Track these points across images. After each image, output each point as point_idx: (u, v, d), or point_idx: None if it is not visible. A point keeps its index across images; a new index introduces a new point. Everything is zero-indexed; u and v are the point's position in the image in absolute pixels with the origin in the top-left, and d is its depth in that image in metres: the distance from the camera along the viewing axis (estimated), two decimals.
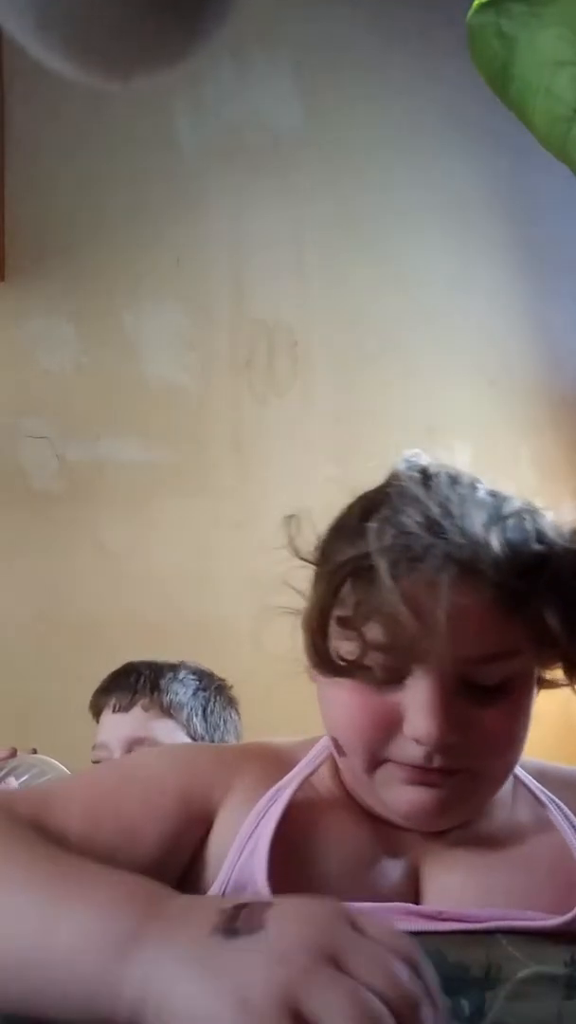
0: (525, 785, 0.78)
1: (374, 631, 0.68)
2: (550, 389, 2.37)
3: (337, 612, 0.69)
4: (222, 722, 1.44)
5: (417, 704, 0.68)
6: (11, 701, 1.92)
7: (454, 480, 0.73)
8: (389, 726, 0.69)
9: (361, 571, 0.68)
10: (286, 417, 2.21)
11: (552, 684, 0.74)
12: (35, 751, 1.43)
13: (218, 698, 1.45)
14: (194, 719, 1.40)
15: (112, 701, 1.43)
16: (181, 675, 1.44)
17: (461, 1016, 0.61)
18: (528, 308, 2.39)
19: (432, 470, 0.74)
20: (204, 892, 0.71)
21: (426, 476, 0.73)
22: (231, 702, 1.47)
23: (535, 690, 0.74)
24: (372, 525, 0.68)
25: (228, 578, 2.10)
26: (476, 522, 0.68)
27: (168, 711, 1.39)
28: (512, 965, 0.64)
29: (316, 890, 0.69)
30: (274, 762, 0.76)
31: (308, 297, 2.26)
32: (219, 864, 0.71)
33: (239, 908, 0.51)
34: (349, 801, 0.75)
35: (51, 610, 2.02)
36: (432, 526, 0.67)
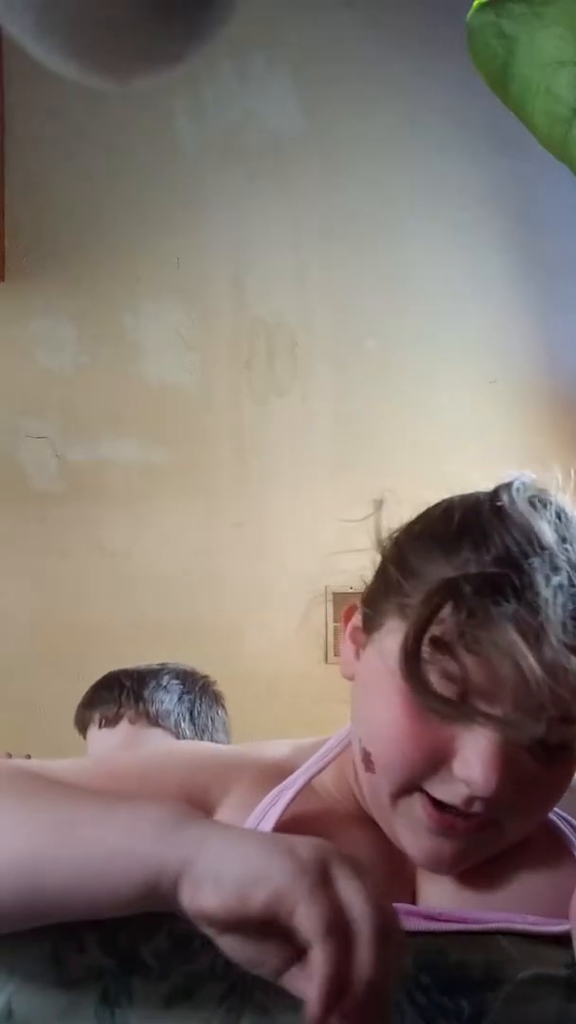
0: None
1: (479, 670, 0.62)
2: (550, 389, 2.37)
3: (432, 631, 0.63)
4: (210, 722, 1.42)
5: (480, 749, 0.62)
6: (11, 700, 1.92)
7: (566, 517, 0.67)
8: (437, 758, 0.64)
9: (463, 594, 0.62)
10: (286, 417, 2.21)
11: None
12: (29, 757, 1.42)
13: (203, 698, 1.43)
14: (182, 724, 1.38)
15: (96, 716, 1.40)
16: (164, 681, 1.41)
17: (461, 1017, 0.61)
18: (528, 308, 2.39)
19: (545, 496, 0.69)
20: None
21: (543, 503, 0.67)
22: (217, 699, 1.46)
23: None
24: (532, 564, 0.63)
25: (228, 578, 2.10)
26: None
27: (155, 721, 1.37)
28: (512, 966, 0.63)
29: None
30: (272, 766, 0.76)
31: (308, 297, 2.26)
32: None
33: None
34: (350, 804, 0.75)
35: (51, 609, 2.02)
36: (556, 570, 0.62)
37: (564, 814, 0.75)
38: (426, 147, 2.37)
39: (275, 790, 0.72)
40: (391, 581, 0.68)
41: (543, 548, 0.63)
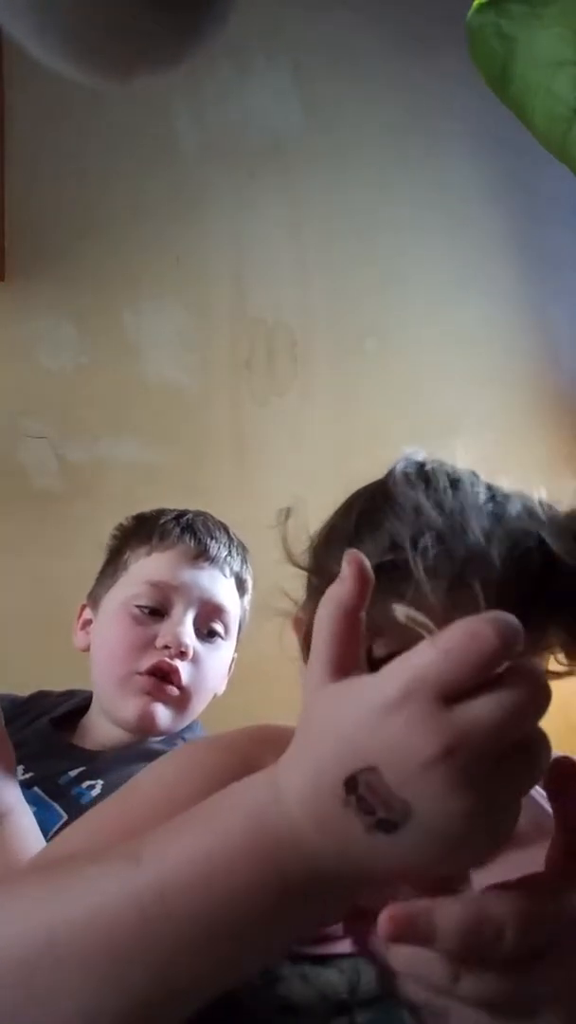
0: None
1: (380, 647, 0.64)
2: (551, 388, 2.37)
3: None
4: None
5: None
6: None
7: (454, 483, 0.70)
8: None
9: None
10: (286, 417, 2.21)
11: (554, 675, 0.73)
12: None
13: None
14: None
15: (206, 549, 1.21)
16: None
17: None
18: (528, 307, 2.39)
19: (431, 470, 0.72)
20: None
21: (425, 478, 0.70)
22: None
23: None
24: (418, 544, 0.65)
25: None
26: (477, 531, 0.65)
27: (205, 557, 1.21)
28: None
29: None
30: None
31: (308, 297, 2.26)
32: None
33: (356, 785, 0.47)
34: None
35: (51, 610, 2.01)
36: (437, 538, 0.65)
37: None
38: (426, 146, 2.37)
39: None
40: (312, 589, 0.73)
41: (425, 527, 0.66)
